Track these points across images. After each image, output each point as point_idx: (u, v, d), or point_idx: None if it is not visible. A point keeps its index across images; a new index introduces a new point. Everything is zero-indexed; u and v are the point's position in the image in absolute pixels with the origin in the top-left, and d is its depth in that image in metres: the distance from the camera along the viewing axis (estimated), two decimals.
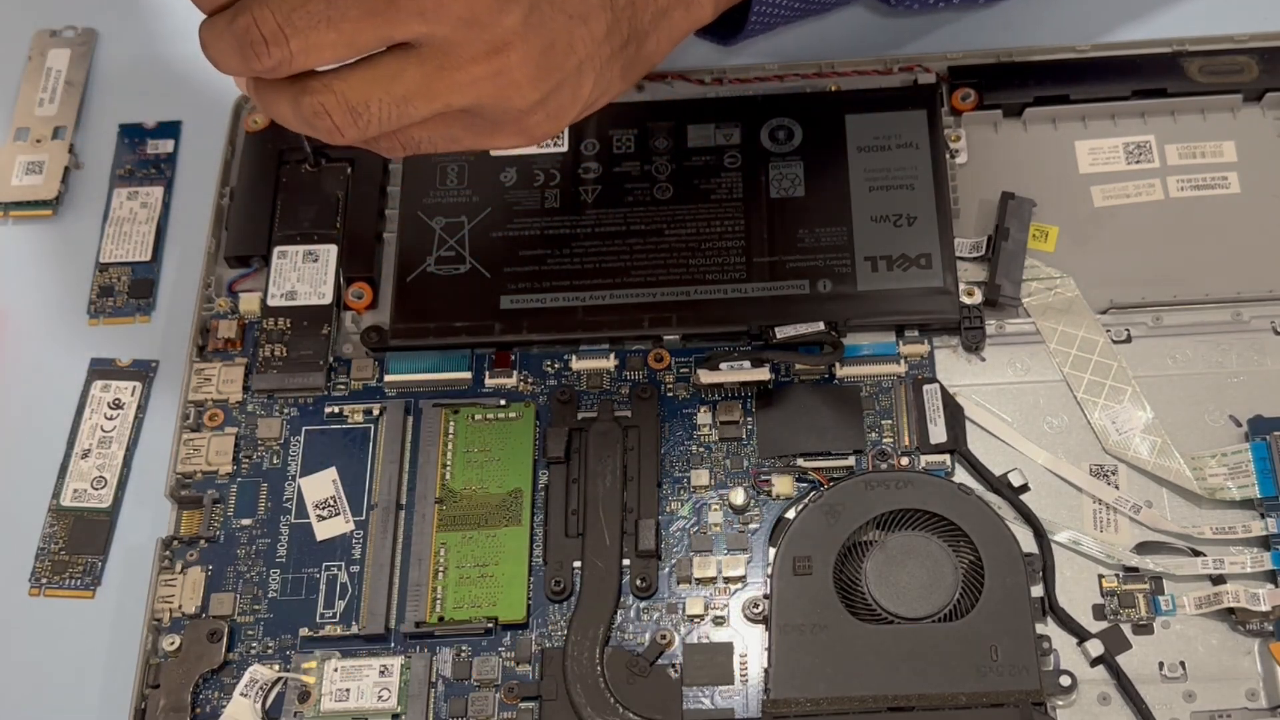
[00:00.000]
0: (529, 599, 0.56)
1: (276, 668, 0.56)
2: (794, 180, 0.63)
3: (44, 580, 0.59)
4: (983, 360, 0.60)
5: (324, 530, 0.58)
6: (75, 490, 0.61)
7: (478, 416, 0.60)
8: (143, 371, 0.63)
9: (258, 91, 0.50)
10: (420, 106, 0.49)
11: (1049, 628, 0.55)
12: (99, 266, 0.65)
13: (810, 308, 0.60)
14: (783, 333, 0.59)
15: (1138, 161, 0.63)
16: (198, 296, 0.63)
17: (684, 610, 0.56)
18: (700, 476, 0.58)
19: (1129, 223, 0.62)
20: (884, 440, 0.58)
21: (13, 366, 0.64)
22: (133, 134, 0.69)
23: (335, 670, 0.55)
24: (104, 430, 0.62)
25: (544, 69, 0.50)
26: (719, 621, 0.56)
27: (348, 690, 0.55)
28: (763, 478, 0.58)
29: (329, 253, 0.63)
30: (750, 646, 0.55)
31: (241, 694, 0.55)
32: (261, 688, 0.55)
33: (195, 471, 0.60)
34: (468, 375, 0.61)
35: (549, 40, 0.49)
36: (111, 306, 0.65)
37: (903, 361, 0.60)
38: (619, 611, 0.56)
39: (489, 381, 0.61)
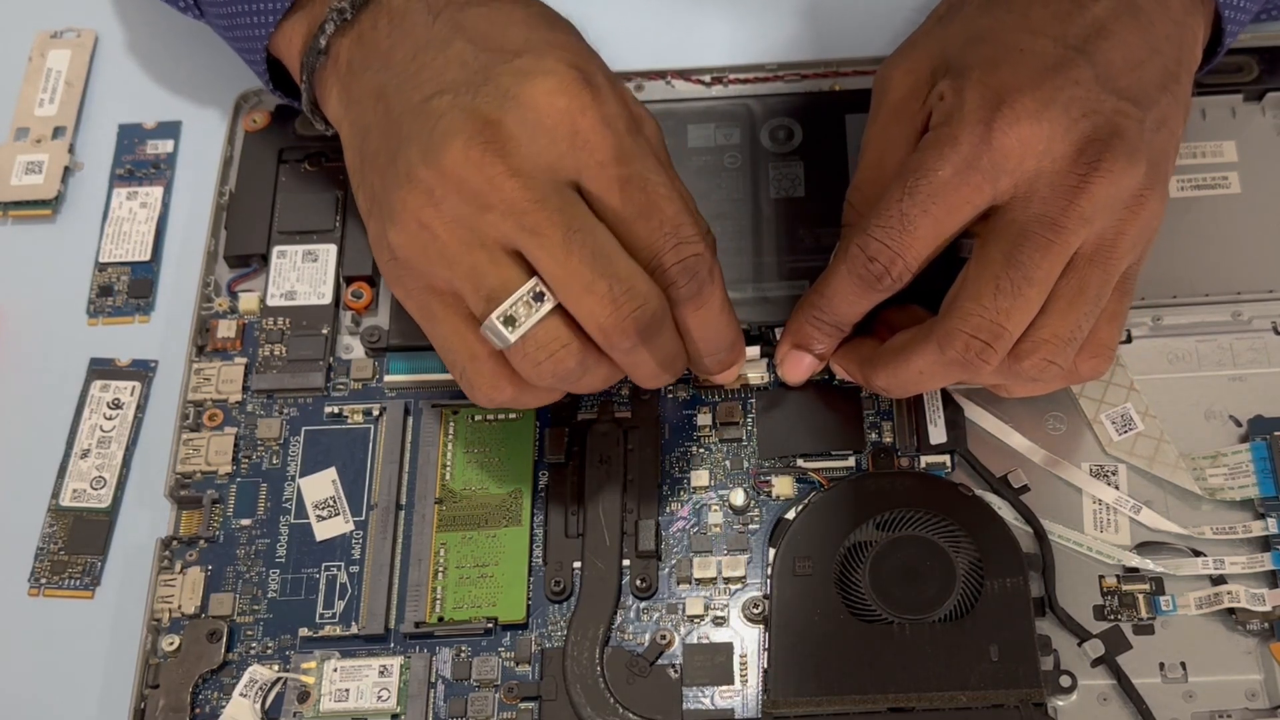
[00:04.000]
0: (529, 599, 0.56)
1: (276, 668, 0.56)
2: (794, 180, 0.63)
3: (43, 580, 0.59)
4: None
5: (323, 530, 0.58)
6: (74, 490, 0.60)
7: (477, 417, 0.59)
8: (142, 371, 0.63)
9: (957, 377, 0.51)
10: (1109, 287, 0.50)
11: (1049, 628, 0.54)
12: (98, 266, 0.65)
13: None
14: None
15: None
16: (197, 296, 0.63)
17: (684, 610, 0.56)
18: (700, 477, 0.58)
19: None
20: (884, 440, 0.58)
21: (12, 366, 0.64)
22: (132, 134, 0.69)
23: (335, 670, 0.55)
24: (103, 430, 0.62)
25: (1163, 192, 0.51)
26: (719, 622, 0.56)
27: (347, 690, 0.55)
28: (763, 478, 0.58)
29: (328, 253, 0.63)
30: (750, 647, 0.55)
31: (241, 694, 0.55)
32: (261, 688, 0.55)
33: (195, 471, 0.60)
34: None
35: (1160, 161, 0.51)
36: (111, 306, 0.65)
37: None
38: (619, 612, 0.56)
39: None
